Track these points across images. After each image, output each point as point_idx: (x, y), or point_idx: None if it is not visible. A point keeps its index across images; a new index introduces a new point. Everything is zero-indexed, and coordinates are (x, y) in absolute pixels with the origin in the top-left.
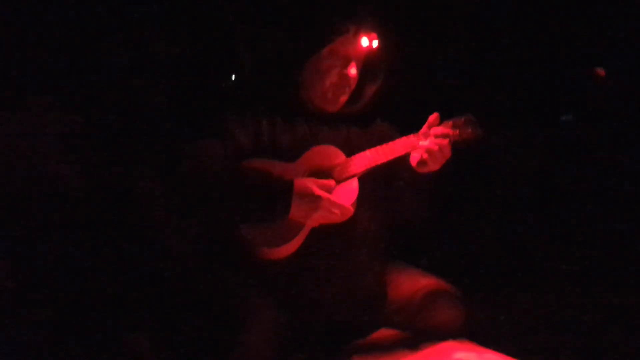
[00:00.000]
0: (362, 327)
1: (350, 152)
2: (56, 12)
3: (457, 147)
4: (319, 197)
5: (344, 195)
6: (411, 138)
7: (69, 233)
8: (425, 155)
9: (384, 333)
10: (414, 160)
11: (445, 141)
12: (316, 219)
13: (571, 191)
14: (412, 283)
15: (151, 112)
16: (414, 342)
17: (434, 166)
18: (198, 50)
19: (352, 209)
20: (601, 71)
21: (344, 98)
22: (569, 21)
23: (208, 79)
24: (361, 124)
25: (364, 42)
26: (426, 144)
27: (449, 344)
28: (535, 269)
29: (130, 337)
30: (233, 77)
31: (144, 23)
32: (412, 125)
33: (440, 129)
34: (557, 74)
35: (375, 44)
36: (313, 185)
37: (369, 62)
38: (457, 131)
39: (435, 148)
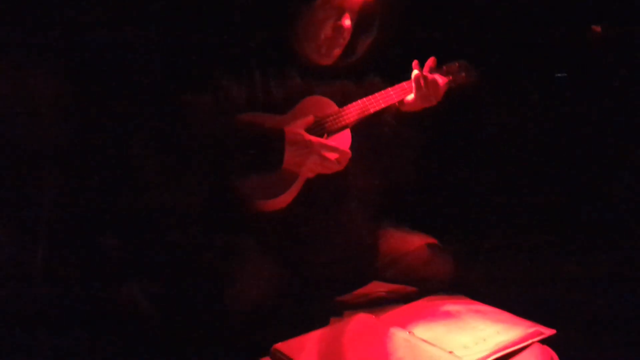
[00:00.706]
0: (354, 280)
1: (343, 104)
2: None
3: (451, 93)
4: (310, 142)
5: (337, 145)
6: (403, 84)
7: (62, 193)
8: (414, 94)
9: (376, 286)
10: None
11: (436, 80)
12: (310, 168)
13: (563, 148)
14: (404, 238)
15: (142, 67)
16: (405, 295)
17: (425, 102)
18: (190, 5)
19: (349, 152)
20: (597, 28)
21: (337, 51)
22: None
23: (200, 33)
24: (354, 76)
25: None
26: (417, 74)
27: (439, 297)
28: (525, 225)
29: (127, 287)
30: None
31: None
32: (406, 77)
33: (433, 75)
34: (552, 31)
35: None
36: (303, 131)
37: (362, 14)
38: (452, 76)
39: (427, 77)
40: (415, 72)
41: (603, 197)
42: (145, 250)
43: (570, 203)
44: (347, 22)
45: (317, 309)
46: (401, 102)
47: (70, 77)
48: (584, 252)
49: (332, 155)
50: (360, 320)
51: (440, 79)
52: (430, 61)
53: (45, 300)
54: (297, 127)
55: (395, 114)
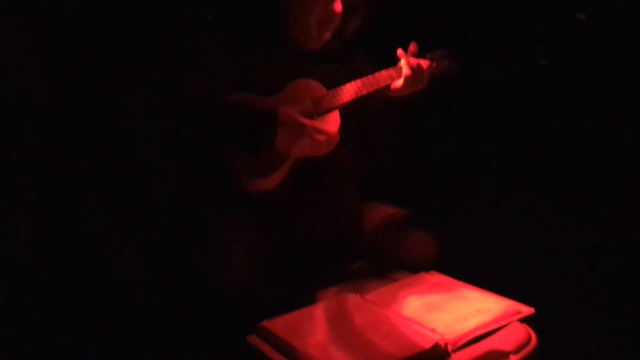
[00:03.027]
0: (340, 259)
1: (331, 87)
2: None
3: (434, 80)
4: (302, 124)
5: (327, 127)
6: (390, 70)
7: (50, 176)
8: (402, 79)
9: (360, 266)
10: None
11: (421, 64)
12: (301, 149)
13: (547, 131)
14: (383, 214)
15: (131, 48)
16: (388, 274)
17: (407, 87)
18: None
19: (337, 136)
20: (582, 15)
21: (328, 35)
22: None
23: (191, 15)
24: (343, 59)
25: None
26: (404, 62)
27: (422, 276)
28: (507, 204)
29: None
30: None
31: None
32: (392, 59)
33: (417, 60)
34: (536, 17)
35: None
36: (296, 113)
37: None
38: (435, 64)
39: (413, 64)
40: (402, 59)
41: (590, 176)
42: (134, 223)
43: (554, 182)
44: (337, 6)
45: (303, 287)
46: (388, 87)
47: (59, 61)
48: (565, 230)
49: (322, 138)
50: (345, 300)
51: (424, 63)
52: (412, 46)
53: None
54: (291, 110)
55: (383, 98)
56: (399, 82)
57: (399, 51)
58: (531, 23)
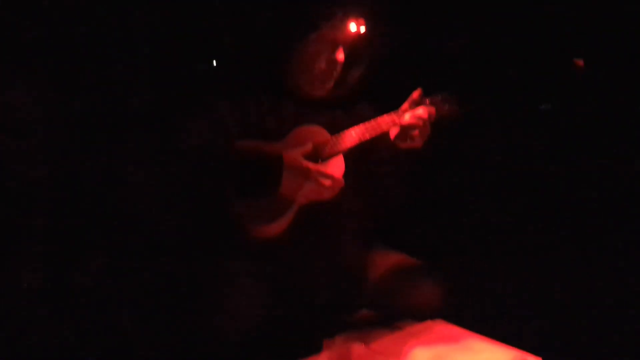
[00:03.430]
0: (345, 307)
1: (335, 133)
2: None
3: (436, 125)
4: (307, 169)
5: (332, 172)
6: (392, 115)
7: (52, 218)
8: (405, 130)
9: (366, 314)
10: (393, 134)
11: (425, 116)
12: (306, 194)
13: (550, 177)
14: (389, 262)
15: (139, 94)
16: (394, 323)
17: (415, 143)
18: (186, 33)
19: (342, 180)
20: (580, 61)
21: (330, 83)
22: (550, 11)
23: (196, 62)
24: (345, 106)
25: (352, 27)
26: (407, 119)
27: (427, 324)
28: (514, 252)
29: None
30: (214, 63)
31: (130, 5)
32: (394, 105)
33: (420, 108)
34: (536, 63)
35: (362, 29)
36: (301, 157)
37: (354, 47)
38: (435, 108)
39: (415, 123)
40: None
41: (592, 225)
42: (138, 271)
43: (559, 228)
44: (340, 56)
45: (309, 335)
46: (397, 137)
47: (70, 104)
48: (573, 279)
49: (327, 182)
50: (350, 349)
51: (426, 110)
52: (415, 93)
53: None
54: (295, 153)
55: (388, 145)
56: (404, 132)
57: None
58: (531, 69)
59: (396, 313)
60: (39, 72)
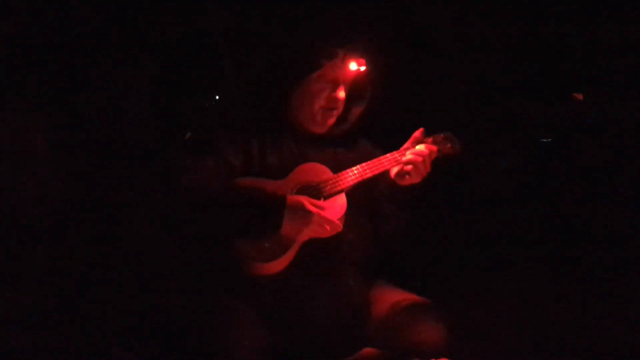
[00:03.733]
0: (347, 346)
1: (337, 170)
2: (46, 23)
3: (437, 163)
4: (310, 212)
5: (333, 211)
6: (395, 154)
7: (52, 245)
8: (406, 168)
9: (368, 352)
10: (394, 173)
11: (426, 154)
12: (306, 234)
13: (551, 208)
14: (392, 299)
15: (141, 130)
16: None
17: (414, 179)
18: (189, 70)
19: (341, 225)
20: (579, 96)
21: (332, 120)
22: (550, 46)
23: (198, 98)
24: (347, 143)
25: (352, 66)
26: (408, 158)
27: None
28: (521, 291)
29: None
30: (217, 97)
31: (137, 42)
32: (394, 143)
33: (421, 145)
34: (537, 98)
35: (362, 68)
36: (305, 201)
37: (355, 85)
38: (436, 147)
39: (417, 160)
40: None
41: (593, 255)
42: (138, 310)
43: (563, 263)
44: (341, 94)
45: None
46: (398, 175)
47: (71, 141)
48: (578, 316)
49: (327, 227)
50: None
51: (428, 149)
52: (418, 132)
53: None
54: (299, 197)
55: (390, 183)
56: (405, 169)
57: (419, 133)
58: (530, 103)
59: (400, 352)
60: (47, 113)
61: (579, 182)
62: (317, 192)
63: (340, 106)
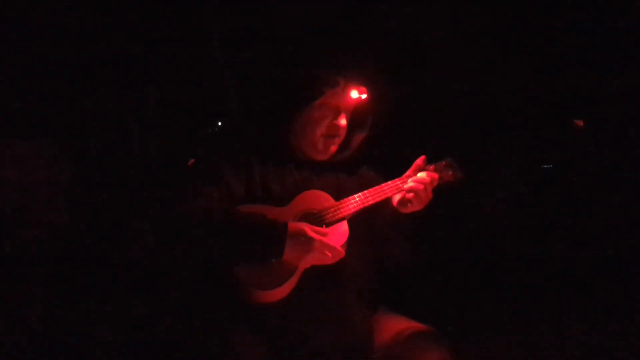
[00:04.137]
0: None
1: (339, 197)
2: (48, 57)
3: (439, 189)
4: (312, 240)
5: (335, 238)
6: (397, 182)
7: (58, 280)
8: (408, 196)
9: None
10: (396, 200)
11: (427, 182)
12: (308, 261)
13: (552, 233)
14: (395, 327)
15: (143, 156)
16: None
17: (416, 206)
18: (191, 98)
19: (343, 251)
20: (580, 122)
21: (333, 148)
22: (549, 72)
23: (200, 126)
24: (349, 170)
25: (354, 94)
26: (410, 185)
27: None
28: (522, 315)
29: None
30: (220, 124)
31: (140, 70)
32: (395, 170)
33: (423, 172)
34: (538, 125)
35: (364, 96)
36: (307, 228)
37: (356, 112)
38: (438, 174)
39: (418, 188)
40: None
41: (597, 281)
42: (140, 335)
43: (566, 289)
44: (342, 121)
45: None
46: (400, 203)
47: (75, 165)
48: (583, 343)
49: (329, 254)
50: None
51: (429, 177)
52: (420, 160)
53: None
54: (301, 224)
55: (392, 210)
56: (407, 197)
57: (421, 160)
58: (531, 130)
59: None
60: (50, 141)
61: (580, 209)
62: (319, 219)
63: (342, 133)
